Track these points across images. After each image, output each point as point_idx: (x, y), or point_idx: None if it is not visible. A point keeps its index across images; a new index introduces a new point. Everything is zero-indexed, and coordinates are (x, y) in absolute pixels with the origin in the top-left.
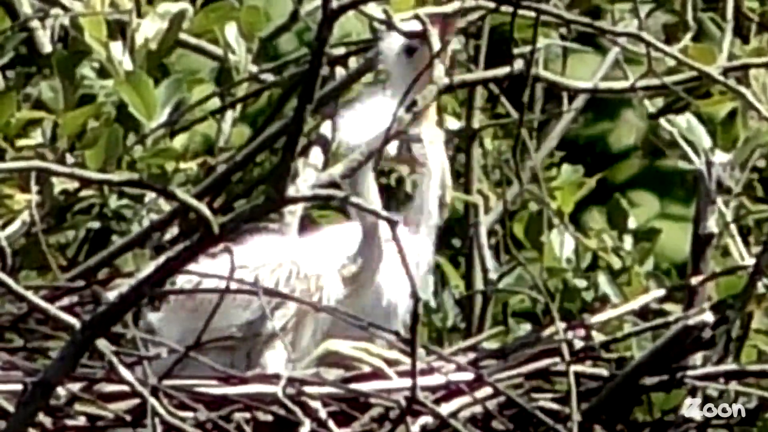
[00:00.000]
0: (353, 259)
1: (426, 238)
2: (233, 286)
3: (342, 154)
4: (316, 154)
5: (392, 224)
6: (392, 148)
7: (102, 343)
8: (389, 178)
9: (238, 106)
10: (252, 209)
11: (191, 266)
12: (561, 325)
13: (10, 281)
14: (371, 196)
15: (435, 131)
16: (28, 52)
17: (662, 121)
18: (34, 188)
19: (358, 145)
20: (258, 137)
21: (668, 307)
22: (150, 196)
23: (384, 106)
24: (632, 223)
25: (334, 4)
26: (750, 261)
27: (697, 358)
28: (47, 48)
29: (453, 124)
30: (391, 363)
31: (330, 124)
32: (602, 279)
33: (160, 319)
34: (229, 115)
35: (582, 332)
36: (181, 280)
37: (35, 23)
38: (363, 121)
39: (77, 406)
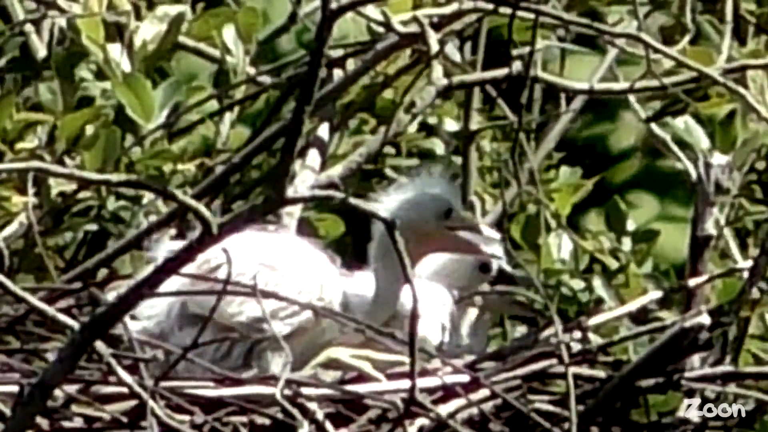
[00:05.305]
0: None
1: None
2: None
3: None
4: (314, 156)
5: (390, 225)
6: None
7: (100, 345)
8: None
9: (236, 108)
10: (251, 210)
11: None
12: (560, 327)
13: (8, 283)
14: None
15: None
16: (22, 55)
17: (655, 125)
18: (31, 190)
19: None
20: (256, 139)
21: (663, 313)
22: (148, 197)
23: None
24: (631, 225)
25: (333, 5)
26: (745, 264)
27: (695, 360)
28: (42, 52)
29: (451, 125)
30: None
31: (327, 126)
32: (597, 282)
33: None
34: (227, 116)
35: (579, 334)
36: None
37: (29, 27)
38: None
39: (74, 408)
